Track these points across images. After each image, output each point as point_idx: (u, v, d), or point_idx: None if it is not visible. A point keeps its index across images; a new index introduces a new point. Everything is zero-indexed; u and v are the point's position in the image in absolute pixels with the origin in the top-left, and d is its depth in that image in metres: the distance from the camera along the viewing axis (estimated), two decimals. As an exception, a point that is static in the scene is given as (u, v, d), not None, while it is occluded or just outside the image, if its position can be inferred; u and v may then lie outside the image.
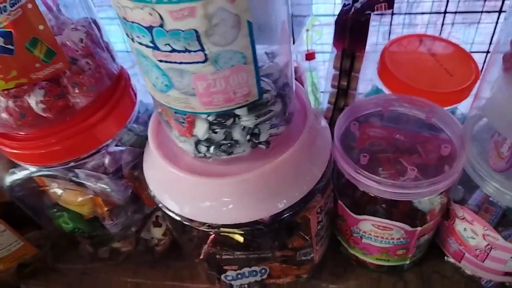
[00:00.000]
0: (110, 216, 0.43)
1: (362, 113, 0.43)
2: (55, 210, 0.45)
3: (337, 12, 0.56)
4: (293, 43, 0.48)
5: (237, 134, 0.29)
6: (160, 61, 0.25)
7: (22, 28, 0.30)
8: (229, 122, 0.28)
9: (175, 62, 0.24)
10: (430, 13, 0.51)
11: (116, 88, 0.39)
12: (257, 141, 0.30)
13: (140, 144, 0.41)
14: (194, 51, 0.23)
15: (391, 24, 0.53)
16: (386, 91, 0.46)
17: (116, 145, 0.41)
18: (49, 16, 0.36)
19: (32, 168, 0.40)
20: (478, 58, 0.47)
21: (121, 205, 0.43)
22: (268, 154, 0.32)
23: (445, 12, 0.49)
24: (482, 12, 0.50)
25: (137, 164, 0.41)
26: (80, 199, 0.41)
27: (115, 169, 0.41)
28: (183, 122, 0.29)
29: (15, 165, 0.41)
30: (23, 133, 0.37)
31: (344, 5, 0.43)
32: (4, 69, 0.31)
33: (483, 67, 0.47)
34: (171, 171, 0.33)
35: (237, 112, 0.28)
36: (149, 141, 0.36)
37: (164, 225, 0.48)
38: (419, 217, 0.40)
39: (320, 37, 0.58)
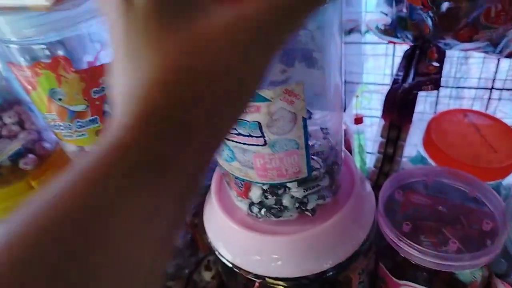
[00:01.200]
0: (169, 257, 0.49)
1: (407, 181, 0.46)
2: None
3: (385, 81, 0.60)
4: (344, 110, 0.52)
5: (286, 201, 0.34)
6: (228, 139, 0.30)
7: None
8: (280, 191, 0.33)
9: (240, 143, 0.29)
10: (477, 88, 0.53)
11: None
12: (304, 209, 0.34)
13: (201, 193, 0.47)
14: (256, 137, 0.28)
15: (438, 96, 0.55)
16: (430, 161, 0.48)
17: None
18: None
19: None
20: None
21: (179, 248, 0.48)
22: (315, 219, 0.35)
23: (492, 88, 0.51)
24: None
25: (198, 212, 0.46)
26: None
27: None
28: (241, 186, 0.34)
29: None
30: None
31: (395, 81, 0.47)
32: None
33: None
34: (228, 224, 0.37)
35: (288, 184, 0.32)
36: (211, 194, 0.41)
37: (214, 269, 0.52)
38: (460, 289, 0.41)
39: (369, 102, 0.63)
